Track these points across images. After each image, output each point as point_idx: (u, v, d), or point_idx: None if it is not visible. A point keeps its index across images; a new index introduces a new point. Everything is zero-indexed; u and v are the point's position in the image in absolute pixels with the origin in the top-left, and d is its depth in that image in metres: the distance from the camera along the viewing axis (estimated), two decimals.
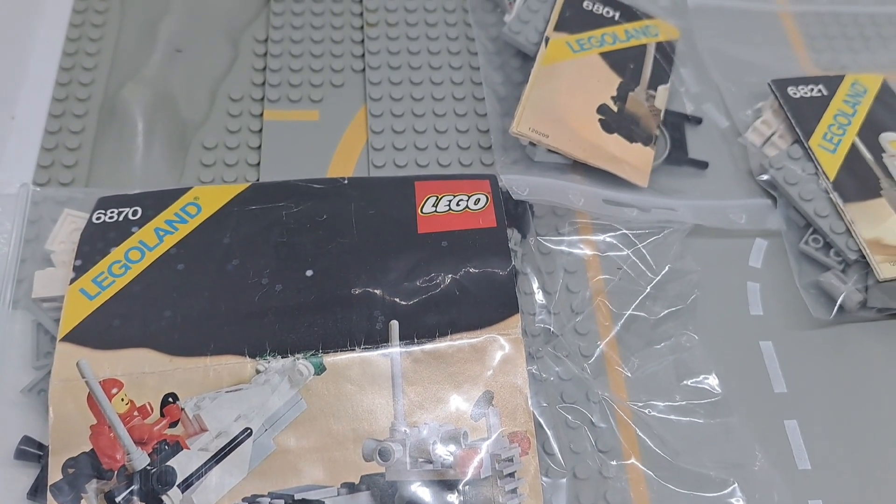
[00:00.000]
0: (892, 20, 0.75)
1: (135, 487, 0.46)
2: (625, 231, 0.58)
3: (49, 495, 0.45)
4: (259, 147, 0.63)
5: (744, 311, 0.58)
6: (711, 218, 0.61)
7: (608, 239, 0.58)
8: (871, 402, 0.55)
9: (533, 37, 0.66)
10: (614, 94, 0.64)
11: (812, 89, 0.65)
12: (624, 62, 0.66)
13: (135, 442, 0.46)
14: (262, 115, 0.65)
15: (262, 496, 0.46)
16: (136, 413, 0.47)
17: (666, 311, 0.56)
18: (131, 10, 0.70)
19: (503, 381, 0.49)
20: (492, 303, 0.51)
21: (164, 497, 0.45)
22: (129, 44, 0.68)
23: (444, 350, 0.49)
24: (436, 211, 0.54)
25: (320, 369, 0.48)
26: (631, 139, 0.62)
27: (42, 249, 0.55)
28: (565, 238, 0.59)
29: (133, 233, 0.53)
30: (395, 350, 0.49)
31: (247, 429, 0.47)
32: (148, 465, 0.46)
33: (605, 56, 0.66)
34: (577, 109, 0.62)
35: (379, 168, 0.62)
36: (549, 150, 0.61)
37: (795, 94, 0.65)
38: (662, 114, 0.65)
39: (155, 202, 0.55)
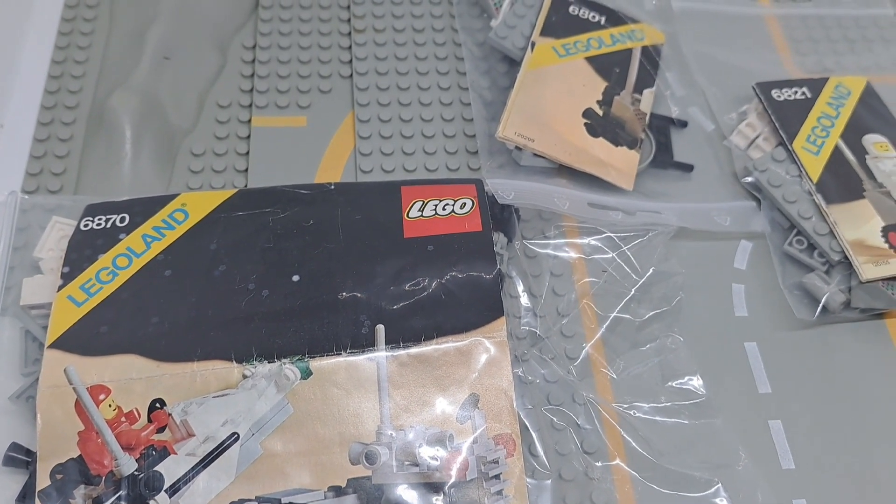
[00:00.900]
0: (876, 23, 0.75)
1: (123, 493, 0.46)
2: (610, 234, 0.59)
3: (37, 501, 0.46)
4: (247, 153, 0.64)
5: (728, 312, 0.59)
6: (696, 220, 0.61)
7: (593, 242, 0.59)
8: (855, 402, 0.55)
9: (519, 42, 0.66)
10: (600, 98, 0.64)
11: (796, 92, 0.66)
12: (609, 66, 0.66)
13: (122, 447, 0.46)
14: (250, 121, 0.65)
15: (250, 500, 0.46)
16: (123, 419, 0.47)
17: (651, 314, 0.56)
18: (120, 17, 0.71)
19: (489, 384, 0.49)
20: (477, 306, 0.51)
21: (151, 502, 0.46)
22: (117, 51, 0.68)
23: (429, 353, 0.49)
24: (422, 215, 0.55)
25: (307, 374, 0.48)
26: (616, 143, 0.63)
27: (30, 257, 0.55)
28: (551, 241, 0.59)
29: (121, 239, 0.53)
30: (381, 354, 0.49)
31: (234, 433, 0.47)
32: (136, 470, 0.46)
33: (591, 60, 0.66)
34: (562, 114, 0.63)
35: (367, 173, 0.63)
36: (535, 155, 0.61)
37: (779, 96, 0.65)
38: (648, 117, 0.65)
39: (142, 209, 0.55)
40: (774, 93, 0.65)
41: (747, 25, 0.75)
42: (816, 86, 0.66)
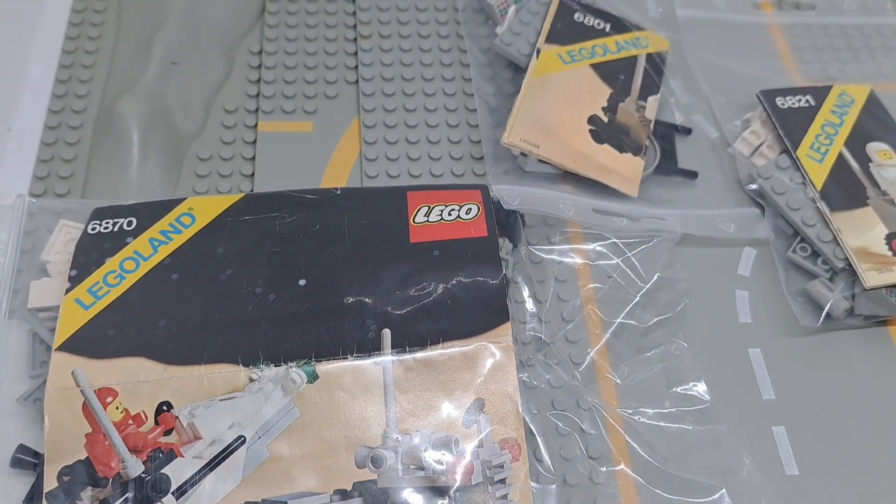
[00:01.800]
0: (880, 31, 0.76)
1: (129, 495, 0.46)
2: (615, 240, 0.59)
3: (45, 503, 0.46)
4: (253, 158, 0.64)
5: (732, 318, 0.59)
6: (700, 227, 0.61)
7: (598, 248, 0.59)
8: (859, 408, 0.55)
9: (524, 48, 0.67)
10: (605, 104, 0.65)
11: (800, 100, 0.66)
12: (614, 73, 0.66)
13: (129, 450, 0.47)
14: (256, 126, 0.66)
15: (256, 503, 0.46)
16: (130, 421, 0.47)
17: (655, 320, 0.56)
18: (127, 22, 0.71)
19: (494, 389, 0.49)
20: (483, 311, 0.51)
21: None
22: (124, 56, 0.69)
23: (435, 358, 0.50)
24: (428, 221, 0.55)
25: (313, 377, 0.49)
26: (621, 149, 0.63)
27: (38, 260, 0.55)
28: (556, 247, 0.59)
29: (128, 243, 0.53)
30: (387, 358, 0.49)
31: (240, 436, 0.47)
32: (142, 472, 0.46)
33: (596, 67, 0.66)
34: (567, 120, 0.63)
35: (372, 178, 0.63)
36: (540, 161, 0.62)
37: (783, 104, 0.65)
38: (652, 124, 0.66)
39: (150, 213, 0.55)
40: (778, 100, 0.66)
41: (751, 33, 0.75)
42: (820, 94, 0.67)
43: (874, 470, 0.53)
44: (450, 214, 0.55)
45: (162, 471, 0.47)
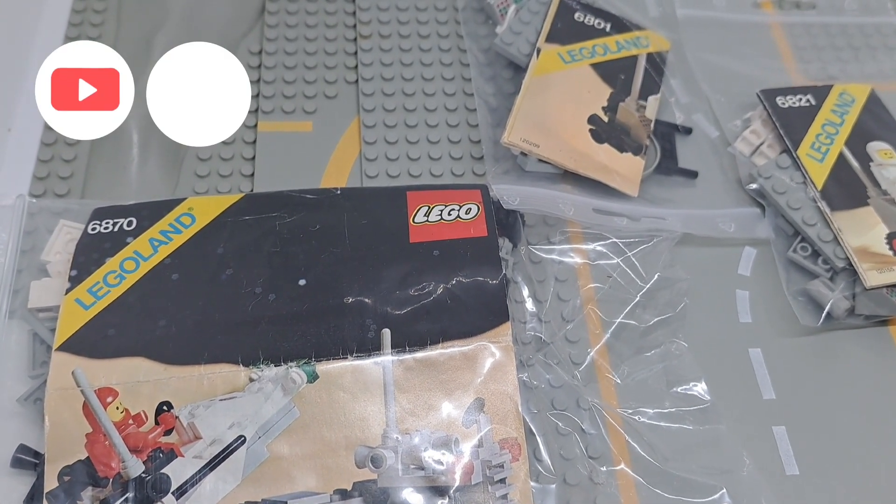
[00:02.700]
0: (880, 31, 0.76)
1: (130, 495, 0.46)
2: (615, 240, 0.59)
3: (45, 503, 0.46)
4: (253, 158, 0.64)
5: (733, 318, 0.59)
6: (701, 227, 0.61)
7: (598, 248, 0.59)
8: (859, 408, 0.55)
9: (524, 48, 0.67)
10: (605, 104, 0.65)
11: (800, 99, 0.66)
12: (615, 73, 0.66)
13: (130, 450, 0.47)
14: (256, 126, 0.66)
15: (256, 503, 0.47)
16: (130, 421, 0.47)
17: (656, 319, 0.56)
18: (127, 23, 0.71)
19: (494, 389, 0.49)
20: (483, 311, 0.51)
21: None
22: (124, 56, 0.68)
23: (435, 358, 0.50)
24: (427, 220, 0.55)
25: (313, 377, 0.49)
26: (621, 149, 0.63)
27: (38, 260, 0.55)
28: (556, 247, 0.59)
29: (128, 243, 0.53)
30: (386, 358, 0.49)
31: (240, 436, 0.47)
32: (143, 472, 0.47)
33: (597, 67, 0.66)
34: (567, 120, 0.63)
35: (372, 178, 0.63)
36: (540, 160, 0.62)
37: (784, 104, 0.65)
38: (652, 124, 0.66)
39: (150, 213, 0.55)
40: (779, 100, 0.66)
41: (751, 33, 0.75)
42: (821, 93, 0.67)
43: (875, 469, 0.53)
44: (450, 214, 0.55)
45: (162, 471, 0.47)
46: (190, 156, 0.64)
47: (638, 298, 0.57)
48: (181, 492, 0.46)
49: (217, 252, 0.53)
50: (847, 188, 0.61)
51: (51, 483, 0.46)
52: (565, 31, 0.67)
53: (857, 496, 0.52)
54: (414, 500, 0.47)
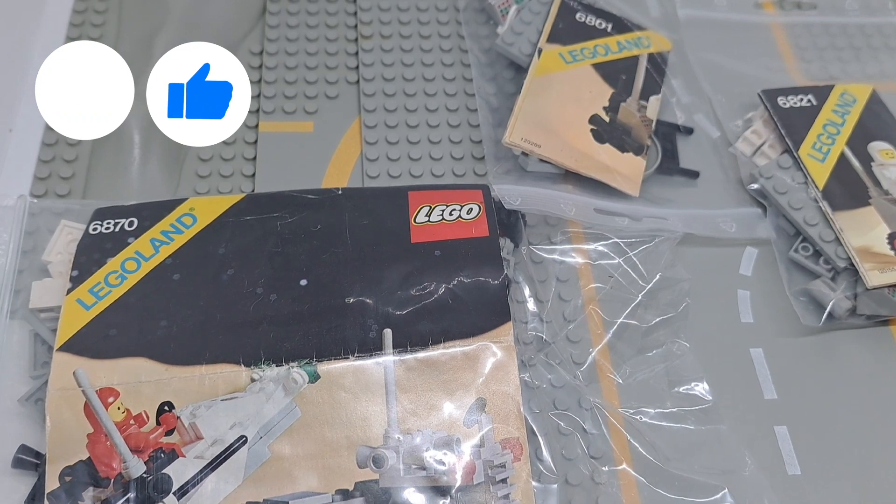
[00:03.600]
0: (881, 31, 0.76)
1: (131, 495, 0.46)
2: (616, 240, 0.59)
3: (46, 503, 0.46)
4: (254, 158, 0.64)
5: (734, 318, 0.59)
6: (702, 227, 0.61)
7: (600, 248, 0.59)
8: (860, 408, 0.55)
9: (526, 48, 0.67)
10: (606, 104, 0.65)
11: (801, 99, 0.66)
12: (616, 73, 0.66)
13: (131, 450, 0.47)
14: (257, 126, 0.66)
15: (258, 503, 0.46)
16: (132, 422, 0.47)
17: (657, 319, 0.56)
18: (128, 23, 0.71)
19: (495, 389, 0.49)
20: (484, 311, 0.51)
21: None
22: (125, 56, 0.68)
23: (436, 358, 0.50)
24: (429, 221, 0.55)
25: (314, 377, 0.49)
26: (622, 149, 0.63)
27: (39, 260, 0.55)
28: (557, 247, 0.59)
29: (129, 243, 0.53)
30: (388, 358, 0.49)
31: (242, 436, 0.47)
32: (144, 472, 0.47)
33: (598, 67, 0.66)
34: (569, 120, 0.63)
35: (373, 178, 0.63)
36: (542, 160, 0.62)
37: (785, 104, 0.65)
38: (654, 124, 0.65)
39: (151, 213, 0.55)
40: (780, 100, 0.66)
41: (752, 33, 0.75)
42: (822, 93, 0.67)
43: (876, 469, 0.53)
44: (451, 214, 0.55)
45: (163, 471, 0.47)
46: (191, 156, 0.64)
47: (639, 298, 0.57)
48: (182, 492, 0.46)
49: (218, 252, 0.53)
50: (848, 188, 0.61)
51: (52, 483, 0.46)
52: (566, 31, 0.67)
53: (859, 496, 0.52)
54: (416, 500, 0.47)
